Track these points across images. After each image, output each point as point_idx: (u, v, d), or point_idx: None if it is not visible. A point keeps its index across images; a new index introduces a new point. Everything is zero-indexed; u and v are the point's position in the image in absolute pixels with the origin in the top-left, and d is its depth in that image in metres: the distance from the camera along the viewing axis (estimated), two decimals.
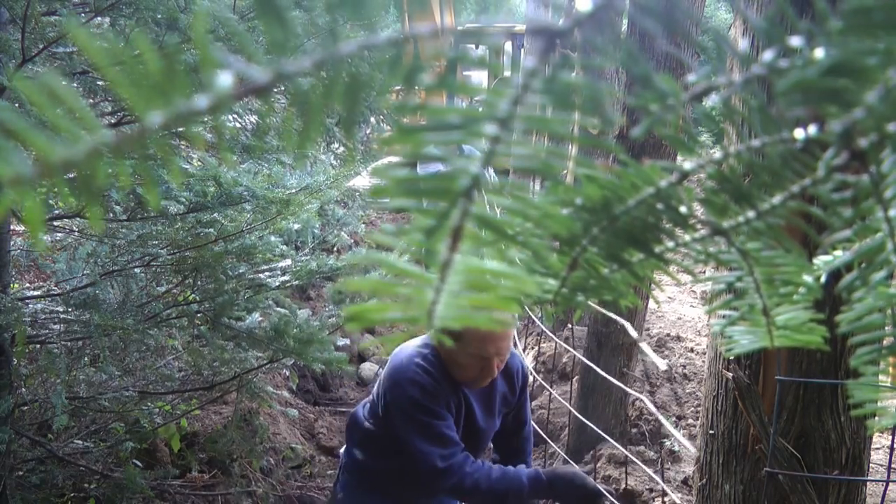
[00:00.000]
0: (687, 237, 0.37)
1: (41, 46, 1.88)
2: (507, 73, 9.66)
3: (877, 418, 0.42)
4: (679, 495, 2.93)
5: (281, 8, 0.27)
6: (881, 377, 0.45)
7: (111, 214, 2.17)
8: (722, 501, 1.41)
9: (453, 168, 0.27)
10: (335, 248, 5.46)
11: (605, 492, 1.78)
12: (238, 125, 2.33)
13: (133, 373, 2.61)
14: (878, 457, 3.02)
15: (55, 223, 2.35)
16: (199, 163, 2.45)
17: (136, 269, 2.37)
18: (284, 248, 2.63)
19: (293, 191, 2.46)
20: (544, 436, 2.90)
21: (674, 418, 3.70)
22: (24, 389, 2.49)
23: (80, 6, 2.12)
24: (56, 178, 0.24)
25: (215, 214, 2.22)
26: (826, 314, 0.41)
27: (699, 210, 0.36)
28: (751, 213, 0.35)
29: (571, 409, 2.88)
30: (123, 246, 2.27)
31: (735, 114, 0.34)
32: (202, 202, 2.14)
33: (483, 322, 0.28)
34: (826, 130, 0.31)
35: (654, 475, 2.21)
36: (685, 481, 3.08)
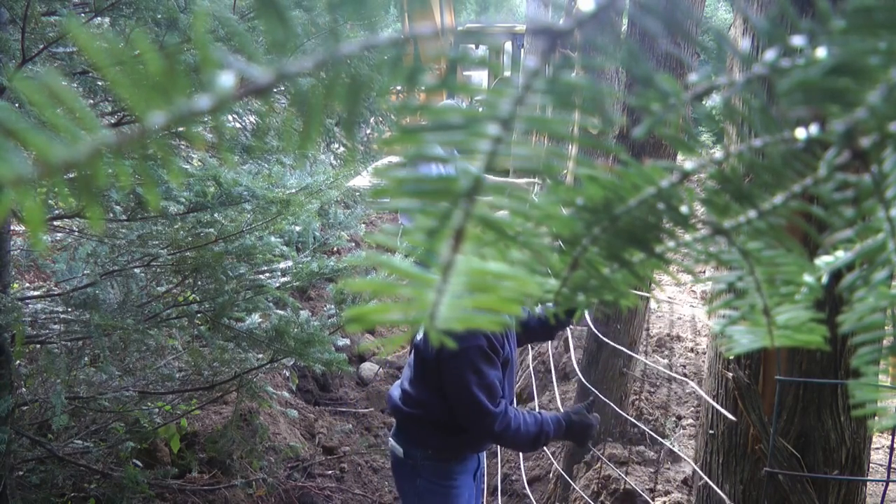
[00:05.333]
0: (688, 237, 0.37)
1: (41, 46, 1.87)
2: (508, 73, 9.66)
3: (877, 418, 0.42)
4: (679, 495, 2.93)
5: (281, 8, 0.27)
6: (881, 377, 0.45)
7: (111, 214, 2.16)
8: (722, 501, 1.41)
9: (455, 169, 0.27)
10: (335, 250, 5.45)
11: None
12: (238, 125, 2.33)
13: (133, 373, 2.61)
14: (878, 457, 3.02)
15: (55, 223, 2.35)
16: (199, 163, 2.45)
17: (136, 269, 2.37)
18: (285, 248, 2.62)
19: (293, 191, 2.45)
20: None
21: (674, 418, 3.70)
22: (24, 389, 2.48)
23: (80, 6, 2.11)
24: (56, 179, 0.24)
25: (215, 214, 2.21)
26: (827, 314, 0.41)
27: (700, 210, 0.36)
28: (752, 213, 0.35)
29: (584, 383, 2.88)
30: (123, 246, 2.26)
31: (736, 114, 0.34)
32: (202, 202, 2.13)
33: (485, 323, 0.28)
34: (828, 130, 0.31)
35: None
36: (685, 481, 3.07)
